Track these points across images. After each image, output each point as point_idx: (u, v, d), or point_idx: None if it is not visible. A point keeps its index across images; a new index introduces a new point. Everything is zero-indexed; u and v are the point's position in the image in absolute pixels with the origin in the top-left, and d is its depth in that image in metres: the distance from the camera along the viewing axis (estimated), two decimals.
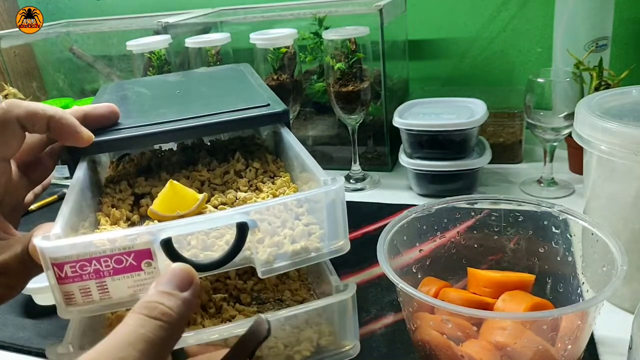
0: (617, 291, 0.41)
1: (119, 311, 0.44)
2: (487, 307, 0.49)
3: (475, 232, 0.56)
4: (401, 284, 0.43)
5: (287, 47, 0.85)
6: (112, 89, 0.65)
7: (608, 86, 0.77)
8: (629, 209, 0.53)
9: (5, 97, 1.07)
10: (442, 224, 0.55)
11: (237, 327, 0.38)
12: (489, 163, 0.82)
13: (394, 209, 0.80)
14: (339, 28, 0.84)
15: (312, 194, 0.39)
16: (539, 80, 0.77)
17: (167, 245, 0.34)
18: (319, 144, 1.03)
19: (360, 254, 0.68)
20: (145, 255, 0.34)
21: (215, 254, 0.37)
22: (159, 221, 0.44)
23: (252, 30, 0.88)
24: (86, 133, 0.44)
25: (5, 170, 0.42)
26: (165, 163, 0.55)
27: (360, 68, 0.83)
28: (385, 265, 0.45)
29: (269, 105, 0.51)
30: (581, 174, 0.70)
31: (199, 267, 0.36)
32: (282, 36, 0.85)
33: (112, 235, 0.34)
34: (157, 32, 1.02)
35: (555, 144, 0.79)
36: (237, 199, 0.48)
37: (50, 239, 0.33)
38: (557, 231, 0.52)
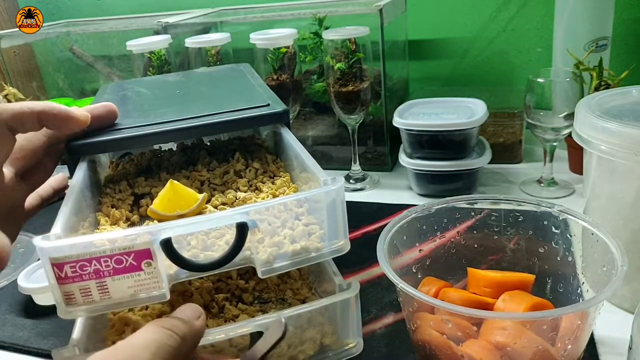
0: (617, 291, 0.41)
1: (121, 312, 0.44)
2: (487, 307, 0.49)
3: (475, 232, 0.56)
4: (401, 284, 0.43)
5: (287, 47, 0.85)
6: (112, 89, 0.65)
7: (608, 86, 0.77)
8: (629, 209, 0.53)
9: (5, 97, 1.07)
10: (442, 224, 0.55)
11: (242, 327, 0.38)
12: (489, 163, 0.82)
13: (394, 209, 0.80)
14: (339, 28, 0.84)
15: (312, 193, 0.39)
16: (539, 80, 0.77)
17: (167, 245, 0.34)
18: (318, 144, 1.03)
19: (360, 254, 0.68)
20: (145, 255, 0.34)
21: (216, 254, 0.37)
22: (159, 221, 0.44)
23: (252, 30, 0.88)
24: (81, 114, 0.43)
25: None
26: (165, 163, 0.55)
27: (360, 68, 0.83)
28: (385, 265, 0.45)
29: (269, 105, 0.51)
30: (581, 174, 0.70)
31: (199, 267, 0.36)
32: (282, 36, 0.85)
33: (112, 236, 0.34)
34: (157, 32, 1.02)
35: (555, 144, 0.79)
36: (237, 199, 0.48)
37: (50, 239, 0.33)
38: (557, 231, 0.52)
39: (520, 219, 0.54)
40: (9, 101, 1.07)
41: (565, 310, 0.40)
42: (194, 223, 0.36)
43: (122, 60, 1.15)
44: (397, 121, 0.83)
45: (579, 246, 0.51)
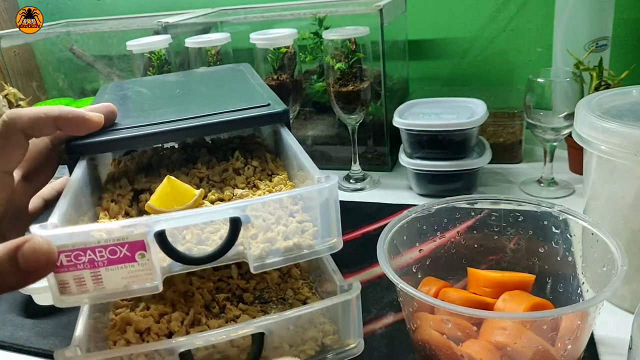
0: (617, 291, 0.41)
1: (123, 312, 0.44)
2: (487, 307, 0.49)
3: (475, 232, 0.56)
4: (401, 284, 0.43)
5: (287, 47, 0.85)
6: (112, 89, 0.65)
7: (608, 86, 0.77)
8: (629, 209, 0.53)
9: (5, 97, 1.07)
10: (442, 224, 0.55)
11: (244, 327, 0.38)
12: (489, 163, 0.82)
13: (394, 209, 0.80)
14: (339, 28, 0.84)
15: (306, 190, 0.40)
16: (539, 80, 0.77)
17: (161, 238, 0.35)
18: (318, 143, 1.03)
19: (360, 254, 0.68)
20: (139, 246, 0.34)
21: (209, 248, 0.38)
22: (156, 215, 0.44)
23: (252, 30, 0.88)
24: (96, 116, 0.44)
25: (8, 182, 0.42)
26: (165, 160, 0.55)
27: (360, 68, 0.83)
28: (385, 265, 0.45)
29: (269, 105, 0.51)
30: (581, 174, 0.70)
31: (192, 261, 0.37)
32: (282, 36, 0.85)
33: (108, 226, 0.34)
34: (157, 32, 1.02)
35: (555, 144, 0.79)
36: (234, 195, 0.48)
37: (47, 227, 0.34)
38: (557, 231, 0.52)
39: (520, 219, 0.54)
40: (9, 101, 1.07)
41: (565, 310, 0.40)
42: (188, 216, 0.36)
43: (122, 60, 1.15)
44: (397, 121, 0.83)
45: (579, 246, 0.51)
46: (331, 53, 0.83)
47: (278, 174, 0.51)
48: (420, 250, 0.55)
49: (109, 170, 0.56)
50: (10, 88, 1.09)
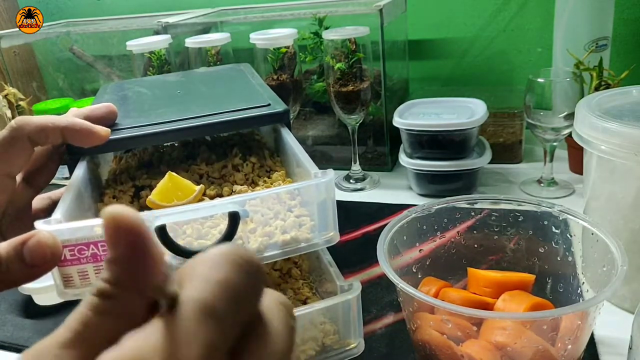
0: (617, 291, 0.41)
1: None
2: (487, 307, 0.49)
3: (475, 232, 0.56)
4: (401, 284, 0.43)
5: (287, 47, 0.85)
6: (112, 89, 0.65)
7: (608, 86, 0.77)
8: (629, 209, 0.53)
9: (5, 97, 1.07)
10: (442, 224, 0.55)
11: None
12: (489, 163, 0.82)
13: (394, 209, 0.80)
14: (339, 28, 0.84)
15: (303, 185, 0.40)
16: (539, 80, 0.77)
17: (161, 232, 0.35)
18: (318, 143, 1.03)
19: (360, 254, 0.68)
20: None
21: (209, 242, 0.38)
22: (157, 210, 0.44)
23: (252, 30, 0.88)
24: (102, 130, 0.44)
25: (10, 185, 0.43)
26: (166, 158, 0.55)
27: (360, 68, 0.83)
28: (385, 265, 0.45)
29: (269, 105, 0.51)
30: (581, 174, 0.70)
31: (193, 254, 0.37)
32: (282, 36, 0.85)
33: None
34: (157, 32, 1.02)
35: (555, 144, 0.79)
36: (233, 191, 0.48)
37: (51, 223, 0.35)
38: (557, 231, 0.52)
39: (520, 219, 0.54)
40: (9, 101, 1.07)
41: (565, 310, 0.40)
42: (188, 211, 0.37)
43: (122, 60, 1.15)
44: (397, 121, 0.83)
45: (579, 246, 0.51)
46: (331, 53, 0.83)
47: (276, 170, 0.51)
48: (420, 250, 0.55)
49: (110, 167, 0.56)
50: (10, 88, 1.09)
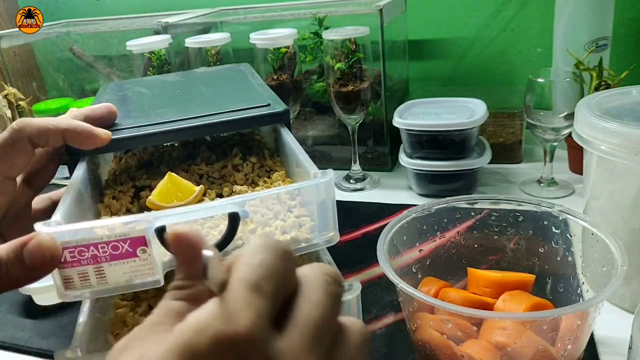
0: (617, 291, 0.41)
1: (121, 312, 0.44)
2: (487, 307, 0.49)
3: (475, 232, 0.56)
4: (401, 284, 0.43)
5: (287, 47, 0.85)
6: (112, 89, 0.65)
7: (608, 86, 0.77)
8: (629, 209, 0.53)
9: (5, 97, 1.07)
10: (442, 224, 0.55)
11: None
12: (489, 163, 0.82)
13: (394, 209, 0.80)
14: (339, 28, 0.84)
15: (302, 185, 0.40)
16: (539, 80, 0.77)
17: (162, 233, 0.35)
18: (319, 143, 1.03)
19: (360, 254, 0.69)
20: (140, 242, 0.35)
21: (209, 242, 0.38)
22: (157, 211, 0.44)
23: (252, 30, 0.88)
24: (103, 132, 0.44)
25: (10, 187, 0.43)
26: (166, 157, 0.56)
27: (360, 68, 0.83)
28: (385, 265, 0.45)
29: (269, 105, 0.51)
30: (581, 174, 0.70)
31: None
32: (282, 36, 0.85)
33: (110, 222, 0.35)
34: (157, 32, 1.02)
35: (555, 144, 0.79)
36: (233, 192, 0.48)
37: (51, 225, 0.35)
38: (557, 231, 0.52)
39: (520, 219, 0.54)
40: (9, 101, 1.08)
41: (565, 310, 0.40)
42: (188, 212, 0.37)
43: (122, 60, 1.15)
44: (397, 121, 0.83)
45: (579, 246, 0.51)
46: (331, 53, 0.83)
47: (276, 170, 0.51)
48: (420, 250, 0.55)
49: (110, 167, 0.56)
50: (10, 88, 1.09)
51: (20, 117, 1.10)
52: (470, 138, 0.81)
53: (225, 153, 0.55)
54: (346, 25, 0.85)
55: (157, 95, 0.61)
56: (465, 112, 0.84)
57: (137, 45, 0.92)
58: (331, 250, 0.47)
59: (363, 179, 0.93)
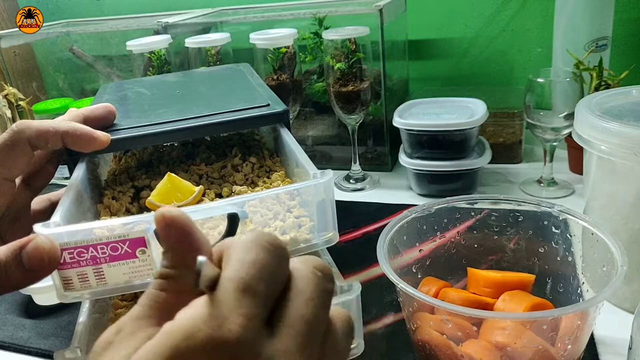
0: (617, 291, 0.41)
1: (121, 312, 0.44)
2: (487, 307, 0.49)
3: (475, 232, 0.56)
4: (401, 284, 0.43)
5: (287, 47, 0.85)
6: (112, 89, 0.65)
7: (608, 86, 0.77)
8: (629, 209, 0.53)
9: (5, 97, 1.07)
10: (442, 224, 0.55)
11: None
12: (489, 163, 0.82)
13: (394, 209, 0.80)
14: (339, 28, 0.84)
15: (302, 186, 0.40)
16: (539, 80, 0.77)
17: None
18: (318, 143, 1.03)
19: (360, 254, 0.68)
20: (139, 243, 0.35)
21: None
22: None
23: (252, 30, 0.88)
24: (103, 135, 0.45)
25: (10, 189, 0.43)
26: (165, 157, 0.55)
27: (360, 68, 0.83)
28: (385, 265, 0.45)
29: (269, 105, 0.51)
30: (581, 174, 0.70)
31: None
32: (282, 36, 0.85)
33: (109, 224, 0.35)
34: (157, 32, 1.02)
35: (555, 144, 0.79)
36: (232, 192, 0.48)
37: (50, 226, 0.35)
38: (557, 231, 0.52)
39: (520, 219, 0.54)
40: (9, 101, 1.08)
41: (565, 310, 0.40)
42: (188, 212, 0.36)
43: (122, 60, 1.15)
44: (397, 121, 0.83)
45: (579, 246, 0.51)
46: (331, 53, 0.83)
47: (276, 171, 0.51)
48: (420, 250, 0.55)
49: (109, 167, 0.56)
50: (10, 88, 1.09)
51: (20, 117, 1.10)
52: (470, 138, 0.81)
53: (225, 153, 0.55)
54: (346, 25, 0.85)
55: (157, 96, 0.61)
56: (465, 112, 0.84)
57: (137, 45, 0.92)
58: (331, 250, 0.47)
59: (363, 179, 0.93)
